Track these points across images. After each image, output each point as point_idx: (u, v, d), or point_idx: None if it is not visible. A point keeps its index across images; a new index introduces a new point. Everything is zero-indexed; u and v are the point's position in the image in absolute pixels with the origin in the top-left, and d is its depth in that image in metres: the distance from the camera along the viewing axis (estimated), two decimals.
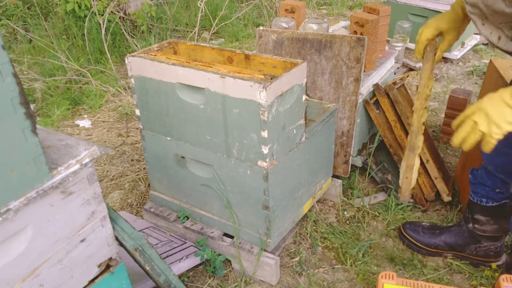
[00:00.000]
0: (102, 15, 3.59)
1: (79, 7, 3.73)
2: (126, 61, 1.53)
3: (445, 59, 3.45)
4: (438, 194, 2.00)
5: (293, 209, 1.64)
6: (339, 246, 1.76)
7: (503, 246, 1.61)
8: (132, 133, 2.68)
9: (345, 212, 1.95)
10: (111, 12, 3.79)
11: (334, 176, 1.98)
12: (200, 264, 1.67)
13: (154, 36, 4.06)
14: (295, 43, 1.89)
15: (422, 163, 1.98)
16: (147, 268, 1.13)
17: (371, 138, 2.19)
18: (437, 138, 2.49)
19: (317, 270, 1.68)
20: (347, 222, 1.91)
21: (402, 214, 1.92)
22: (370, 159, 2.03)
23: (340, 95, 1.85)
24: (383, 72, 2.11)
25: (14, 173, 0.80)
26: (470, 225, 1.59)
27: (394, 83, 2.06)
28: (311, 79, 1.89)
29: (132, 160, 2.39)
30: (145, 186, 2.16)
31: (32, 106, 2.91)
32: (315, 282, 1.61)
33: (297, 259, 1.71)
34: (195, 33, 3.66)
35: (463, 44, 3.49)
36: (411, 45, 3.48)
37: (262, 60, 1.48)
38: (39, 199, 0.86)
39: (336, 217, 1.93)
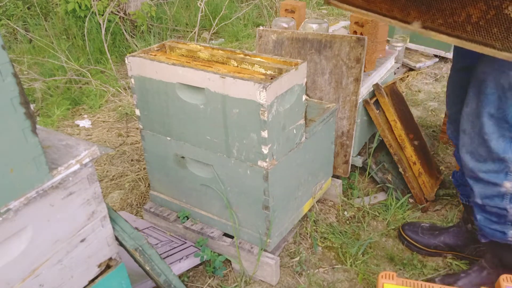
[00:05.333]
0: (102, 15, 3.59)
1: (79, 7, 3.73)
2: (126, 61, 1.53)
3: (445, 59, 3.46)
4: (438, 194, 2.01)
5: (293, 209, 1.64)
6: (339, 246, 1.76)
7: None
8: (132, 133, 2.68)
9: (345, 212, 1.95)
10: (111, 12, 3.79)
11: (334, 176, 1.98)
12: (200, 264, 1.67)
13: (154, 36, 4.06)
14: (295, 43, 1.89)
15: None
16: (147, 268, 1.14)
17: (371, 138, 2.19)
18: (437, 138, 2.49)
19: (317, 270, 1.68)
20: (347, 222, 1.91)
21: (402, 214, 1.92)
22: (370, 159, 2.03)
23: (340, 95, 1.85)
24: (383, 72, 2.11)
25: (14, 173, 0.80)
26: (469, 225, 1.59)
27: (394, 83, 2.06)
28: (311, 79, 1.89)
29: (132, 160, 2.39)
30: (145, 186, 2.16)
31: (32, 106, 2.91)
32: (315, 282, 1.61)
33: (297, 259, 1.71)
34: (195, 33, 3.66)
35: None
36: (411, 45, 3.48)
37: (262, 60, 1.48)
38: (39, 199, 0.86)
39: (336, 217, 1.93)
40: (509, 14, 0.92)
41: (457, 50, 1.44)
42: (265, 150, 1.35)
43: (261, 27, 2.03)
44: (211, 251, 1.63)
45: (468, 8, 0.98)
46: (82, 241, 0.98)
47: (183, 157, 1.60)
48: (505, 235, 1.28)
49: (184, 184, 1.66)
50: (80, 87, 3.21)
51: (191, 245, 1.68)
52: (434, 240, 1.68)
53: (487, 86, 1.16)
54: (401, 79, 3.26)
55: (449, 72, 1.54)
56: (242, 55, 1.48)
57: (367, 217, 1.92)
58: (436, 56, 3.44)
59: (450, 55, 3.36)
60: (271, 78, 1.31)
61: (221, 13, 3.94)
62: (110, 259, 1.08)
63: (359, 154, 2.08)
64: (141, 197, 2.09)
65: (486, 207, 1.28)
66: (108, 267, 1.07)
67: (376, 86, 1.97)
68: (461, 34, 1.01)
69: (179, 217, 1.74)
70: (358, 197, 2.03)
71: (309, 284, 1.61)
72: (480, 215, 1.32)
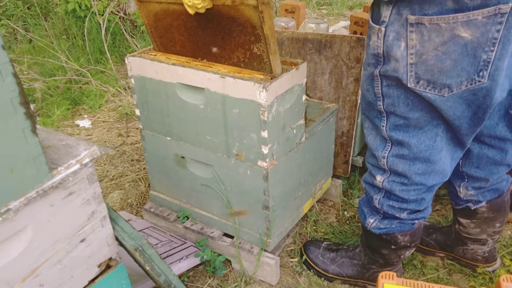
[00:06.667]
0: (102, 15, 3.59)
1: (79, 7, 3.73)
2: (126, 61, 1.53)
3: None
4: (438, 194, 2.00)
5: (293, 209, 1.64)
6: None
7: (493, 252, 1.58)
8: (132, 133, 2.68)
9: (345, 212, 1.95)
10: (111, 12, 3.79)
11: (334, 176, 1.98)
12: (200, 264, 1.67)
13: None
14: (295, 43, 1.89)
15: None
16: (147, 268, 1.13)
17: None
18: None
19: None
20: (347, 222, 1.91)
21: None
22: None
23: (340, 95, 1.85)
24: None
25: (14, 173, 0.80)
26: (457, 226, 1.59)
27: None
28: (311, 79, 1.89)
29: (132, 160, 2.39)
30: (145, 186, 2.16)
31: (32, 106, 2.91)
32: (315, 282, 1.61)
33: (297, 259, 1.71)
34: None
35: None
36: None
37: None
38: (39, 199, 0.86)
39: (336, 217, 1.93)
40: (256, 52, 1.29)
41: None
42: (265, 150, 1.35)
43: None
44: (211, 251, 1.63)
45: (235, 53, 1.35)
46: (82, 241, 0.98)
47: (183, 157, 1.60)
48: (365, 219, 1.43)
49: (184, 184, 1.66)
50: (80, 87, 3.21)
51: (191, 245, 1.68)
52: (426, 238, 1.68)
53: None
54: None
55: None
56: None
57: None
58: None
59: None
60: (271, 78, 1.31)
61: None
62: (110, 259, 1.08)
63: (359, 154, 2.08)
64: (141, 197, 2.09)
65: (366, 191, 1.43)
66: (108, 267, 1.07)
67: None
68: (242, 68, 1.36)
69: (179, 217, 1.74)
70: (358, 197, 2.03)
71: (309, 284, 1.61)
72: (363, 196, 1.47)
